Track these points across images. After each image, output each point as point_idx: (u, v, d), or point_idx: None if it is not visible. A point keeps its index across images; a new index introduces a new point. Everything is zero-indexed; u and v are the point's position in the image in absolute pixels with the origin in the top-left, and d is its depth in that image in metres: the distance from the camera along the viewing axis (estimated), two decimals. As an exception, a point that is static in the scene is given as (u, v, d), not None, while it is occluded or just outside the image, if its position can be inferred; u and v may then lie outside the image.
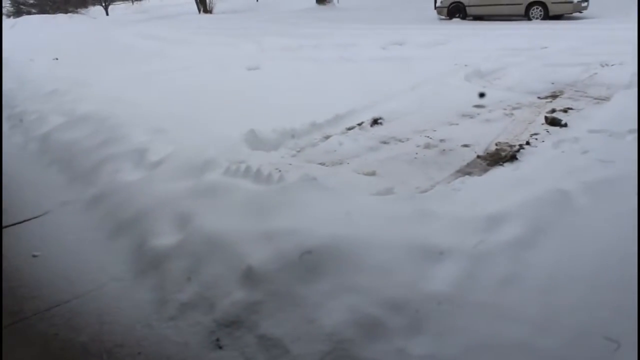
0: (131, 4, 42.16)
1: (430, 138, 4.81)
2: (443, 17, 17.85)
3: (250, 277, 2.59)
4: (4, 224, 3.73)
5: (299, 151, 4.70)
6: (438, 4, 18.36)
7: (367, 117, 5.42)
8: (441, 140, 4.73)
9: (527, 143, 4.45)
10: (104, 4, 36.94)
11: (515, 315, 2.18)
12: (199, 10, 29.47)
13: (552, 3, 15.09)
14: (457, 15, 17.36)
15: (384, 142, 4.80)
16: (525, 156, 4.19)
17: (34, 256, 3.28)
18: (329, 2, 26.63)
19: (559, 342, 2.03)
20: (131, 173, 4.14)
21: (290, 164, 4.31)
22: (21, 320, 2.68)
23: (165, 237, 3.12)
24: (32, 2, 38.18)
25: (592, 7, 15.44)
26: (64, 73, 9.00)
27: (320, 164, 4.35)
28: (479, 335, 2.12)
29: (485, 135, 4.76)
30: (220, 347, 2.34)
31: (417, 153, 4.47)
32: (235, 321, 2.43)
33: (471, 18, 17.21)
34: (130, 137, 4.83)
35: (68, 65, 10.36)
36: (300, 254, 2.61)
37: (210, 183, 3.63)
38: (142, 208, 3.52)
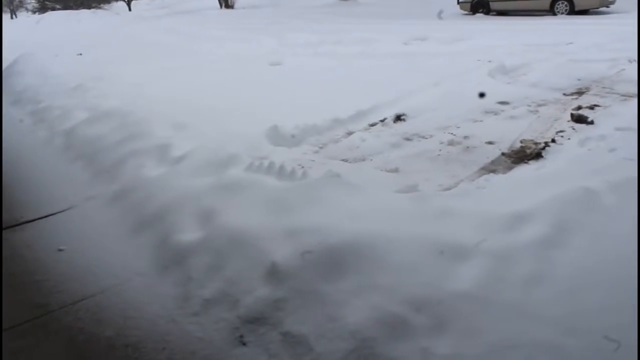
0: (153, -1, 42.36)
1: (454, 135, 4.77)
2: (466, 12, 17.70)
3: (274, 274, 2.59)
4: (29, 218, 3.79)
5: (321, 147, 4.69)
6: (461, -1, 18.22)
7: (390, 114, 5.39)
8: (465, 137, 4.69)
9: (553, 140, 4.38)
10: (126, 0, 37.27)
11: (541, 315, 2.15)
12: (221, 6, 29.60)
13: (578, -3, 14.87)
14: (480, 10, 17.21)
15: (407, 139, 4.76)
16: (550, 154, 4.12)
17: (60, 250, 3.33)
18: (350, -3, 26.56)
19: (585, 343, 2.00)
20: (154, 168, 4.17)
21: (313, 160, 4.31)
22: (47, 313, 2.72)
23: (188, 233, 3.14)
24: (56, -2, 38.73)
25: (619, 2, 15.19)
26: (88, 68, 9.07)
27: (342, 160, 4.34)
28: (503, 335, 2.10)
29: (510, 133, 4.69)
30: (244, 344, 2.35)
31: (440, 150, 4.44)
32: (259, 318, 2.43)
33: (495, 13, 17.04)
34: (153, 132, 4.86)
35: (92, 60, 10.45)
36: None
37: (233, 179, 3.64)
38: (165, 203, 3.54)
